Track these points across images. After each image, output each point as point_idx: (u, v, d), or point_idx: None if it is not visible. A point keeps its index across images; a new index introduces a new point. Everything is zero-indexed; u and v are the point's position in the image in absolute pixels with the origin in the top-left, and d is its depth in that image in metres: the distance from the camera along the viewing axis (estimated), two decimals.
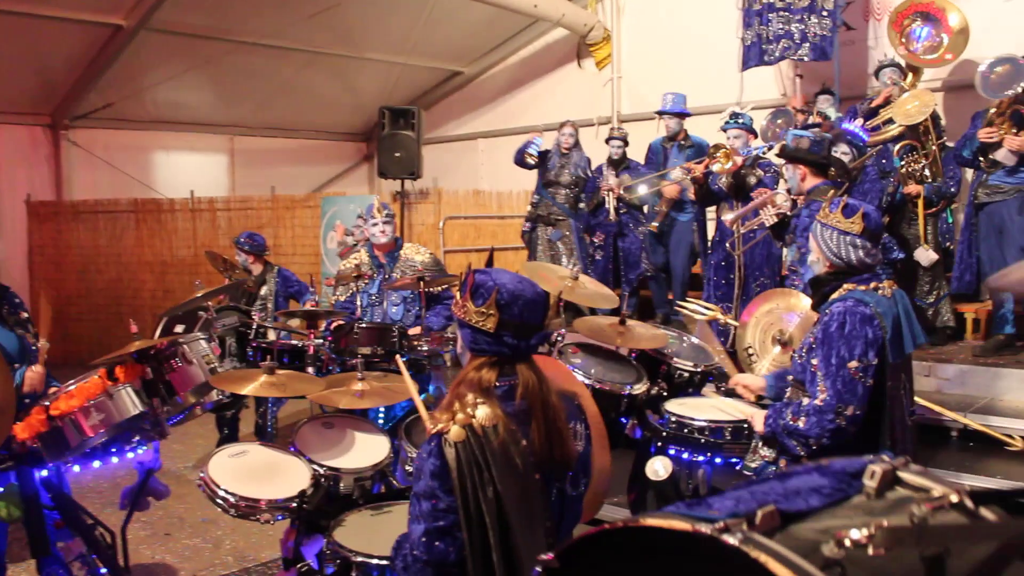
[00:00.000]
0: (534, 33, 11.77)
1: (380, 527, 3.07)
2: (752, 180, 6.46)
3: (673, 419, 4.09)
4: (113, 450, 3.76)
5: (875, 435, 3.24)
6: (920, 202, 6.63)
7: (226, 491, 3.23)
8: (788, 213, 5.93)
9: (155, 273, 10.99)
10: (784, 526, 1.34)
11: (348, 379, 3.81)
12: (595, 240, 8.33)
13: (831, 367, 3.17)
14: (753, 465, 3.67)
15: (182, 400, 4.11)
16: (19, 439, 3.48)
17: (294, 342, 5.30)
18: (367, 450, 3.64)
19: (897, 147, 6.69)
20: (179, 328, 6.21)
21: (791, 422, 3.25)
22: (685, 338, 5.09)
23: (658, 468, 3.95)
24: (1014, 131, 5.91)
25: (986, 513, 1.40)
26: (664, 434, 4.09)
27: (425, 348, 5.18)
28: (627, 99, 11.06)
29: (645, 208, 8.18)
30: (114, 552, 3.96)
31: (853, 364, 3.14)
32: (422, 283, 5.29)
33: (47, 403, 3.53)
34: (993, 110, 6.06)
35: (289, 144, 13.40)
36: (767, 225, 6.20)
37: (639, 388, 4.37)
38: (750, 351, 4.47)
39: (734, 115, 6.88)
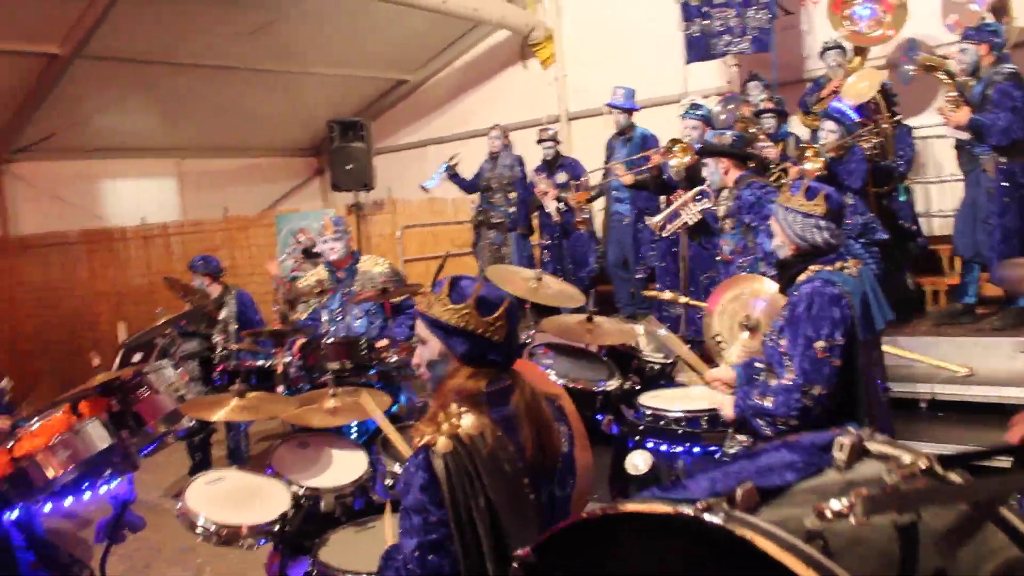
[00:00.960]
0: (476, 36, 11.76)
1: (365, 543, 3.05)
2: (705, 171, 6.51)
3: (648, 412, 4.11)
4: (85, 486, 3.69)
5: (852, 413, 3.27)
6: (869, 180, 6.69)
7: (206, 519, 3.18)
8: (711, 206, 6.02)
9: (111, 304, 10.79)
10: (763, 502, 1.35)
11: (320, 396, 3.77)
12: (542, 241, 8.37)
13: (798, 347, 3.21)
14: (731, 451, 3.68)
15: (152, 430, 4.06)
16: None
17: (261, 363, 5.24)
18: (345, 467, 3.61)
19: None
20: (136, 357, 6.13)
21: (758, 402, 3.28)
22: (652, 331, 5.11)
23: (638, 462, 3.96)
24: (952, 107, 5.90)
25: (954, 477, 1.43)
26: (641, 428, 4.10)
27: (394, 359, 5.15)
28: (573, 97, 11.08)
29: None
30: None
31: (820, 344, 3.18)
32: (386, 295, 5.25)
33: (10, 444, 3.45)
34: (945, 88, 6.11)
35: (239, 163, 13.25)
36: (690, 224, 6.30)
37: (612, 384, 4.39)
38: (718, 339, 4.50)
39: (693, 106, 6.95)
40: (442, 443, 2.13)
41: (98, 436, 3.62)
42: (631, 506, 1.39)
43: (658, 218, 6.42)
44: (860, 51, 7.41)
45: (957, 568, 1.31)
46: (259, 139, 13.01)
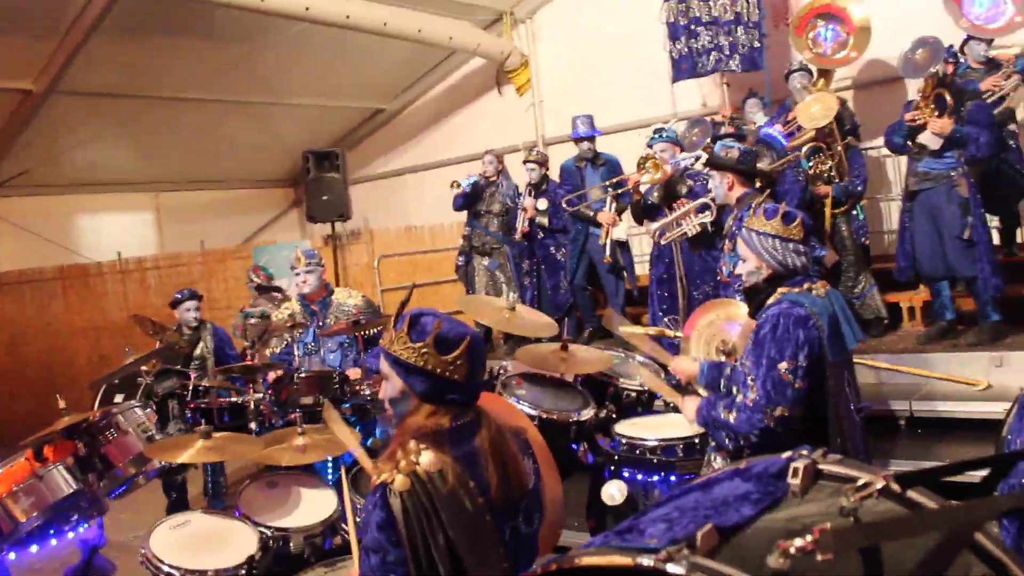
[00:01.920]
0: (452, 65, 11.78)
1: None
2: (683, 190, 6.51)
3: (624, 441, 4.07)
4: (51, 532, 3.63)
5: (823, 434, 3.25)
6: (828, 202, 6.73)
7: (170, 566, 3.12)
8: (709, 222, 6.00)
9: (89, 339, 10.69)
10: (723, 542, 1.32)
11: (289, 435, 3.72)
12: (523, 266, 8.35)
13: (761, 368, 3.19)
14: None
15: (121, 472, 4.01)
16: None
17: (233, 399, 5.18)
18: (314, 506, 3.56)
19: (804, 149, 6.76)
20: (119, 398, 6.06)
21: (722, 416, 3.27)
22: (630, 357, 5.08)
23: (613, 493, 3.93)
24: (936, 114, 5.90)
25: (921, 499, 1.40)
26: (616, 457, 4.07)
27: (368, 392, 5.10)
28: (550, 122, 11.10)
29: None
30: None
31: (783, 366, 3.16)
32: (358, 327, 5.21)
33: None
34: (918, 95, 6.05)
35: (215, 196, 13.19)
36: (689, 235, 6.27)
37: (587, 413, 4.35)
38: None
39: (657, 130, 6.94)
40: (399, 481, 2.10)
41: (63, 481, 3.58)
42: (587, 559, 1.36)
43: (657, 225, 6.38)
44: (824, 73, 7.42)
45: None
46: (236, 171, 12.97)
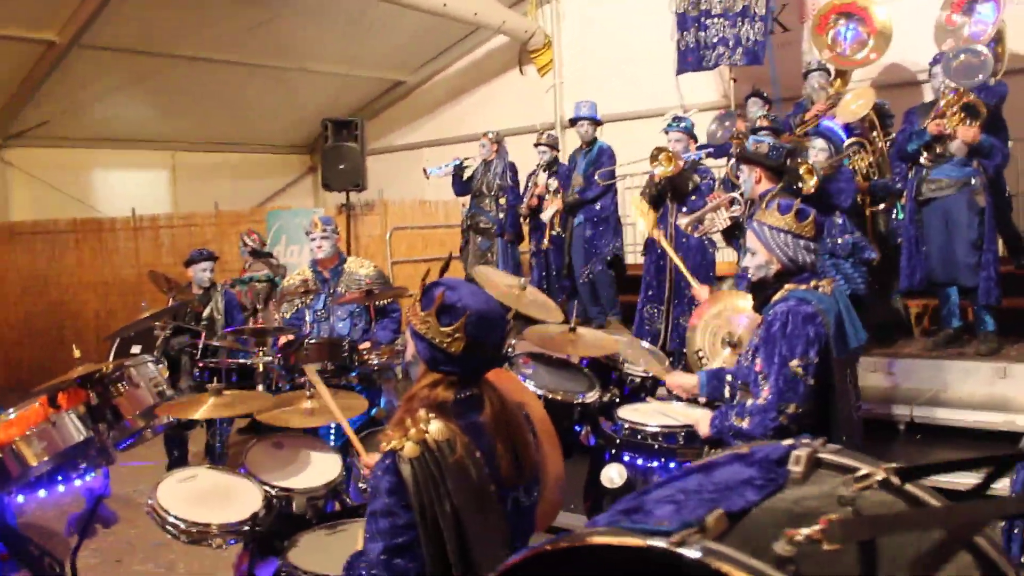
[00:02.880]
0: (475, 41, 11.78)
1: (335, 546, 3.04)
2: (690, 185, 6.52)
3: (626, 426, 4.10)
4: (59, 478, 3.69)
5: (826, 431, 3.28)
6: (867, 199, 6.68)
7: (176, 517, 3.17)
8: (739, 215, 6.00)
9: (98, 294, 10.77)
10: (731, 525, 1.35)
11: (297, 397, 3.77)
12: (531, 248, 8.38)
13: (773, 366, 3.22)
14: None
15: (130, 424, 4.06)
16: None
17: (242, 360, 5.24)
18: (319, 469, 3.61)
19: (845, 144, 6.74)
20: (135, 349, 6.13)
21: (736, 423, 3.30)
22: (635, 343, 5.11)
23: (613, 476, 3.96)
24: (967, 123, 5.88)
25: (920, 494, 1.43)
26: (618, 441, 4.10)
27: (376, 362, 5.15)
28: (569, 104, 11.05)
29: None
30: None
31: (794, 363, 3.19)
32: (371, 297, 5.26)
33: None
34: (943, 103, 6.00)
35: (232, 159, 13.24)
36: (720, 229, 6.26)
37: (591, 396, 4.38)
38: (700, 354, 4.51)
39: (676, 119, 6.92)
40: (409, 448, 2.14)
41: (75, 428, 3.62)
42: (598, 538, 1.37)
43: (688, 219, 6.37)
44: (841, 74, 7.38)
45: None
46: (253, 135, 13.00)
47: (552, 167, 8.23)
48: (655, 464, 4.01)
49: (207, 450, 6.69)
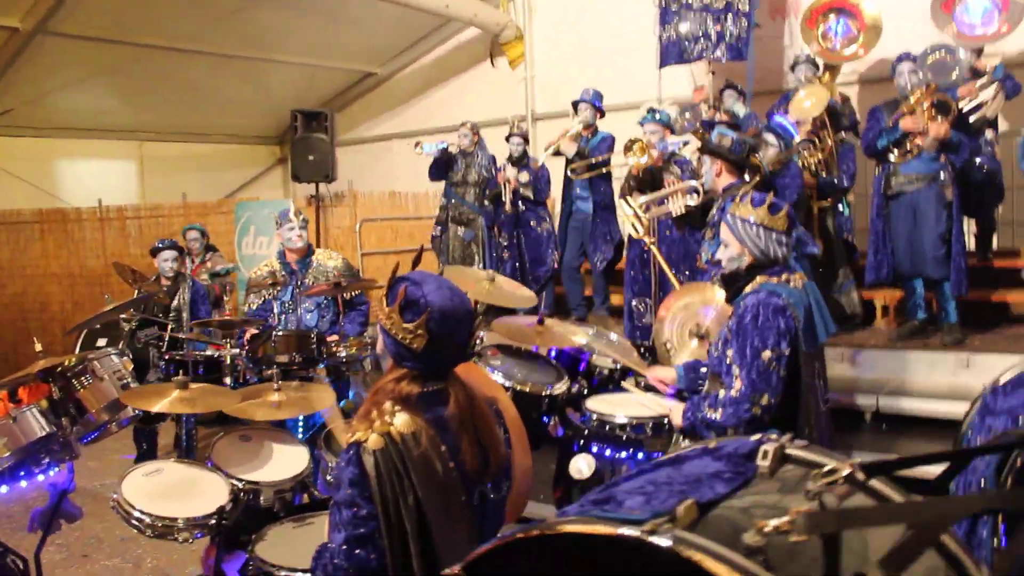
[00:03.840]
0: (447, 33, 11.74)
1: (303, 539, 3.04)
2: (669, 177, 6.53)
3: (594, 417, 4.11)
4: (22, 474, 3.63)
5: (793, 424, 3.31)
6: (813, 194, 6.77)
7: (141, 511, 3.15)
8: (694, 205, 6.02)
9: (63, 286, 10.63)
10: (700, 517, 1.36)
11: (264, 390, 3.74)
12: (500, 240, 8.35)
13: (745, 358, 3.24)
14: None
15: (94, 418, 4.01)
16: None
17: (209, 353, 5.19)
18: (286, 462, 3.59)
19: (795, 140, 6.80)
20: (101, 342, 6.06)
21: (708, 415, 3.32)
22: (603, 335, 5.12)
23: (581, 467, 3.97)
24: (939, 118, 5.96)
25: (884, 490, 1.44)
26: (586, 432, 4.11)
27: (343, 354, 5.13)
28: (541, 97, 11.11)
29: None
30: None
31: (767, 354, 3.22)
32: (339, 289, 5.23)
33: None
34: (913, 99, 6.07)
35: (200, 149, 13.12)
36: (674, 214, 6.28)
37: (559, 388, 4.39)
38: (668, 346, 4.53)
39: (651, 111, 6.94)
40: (373, 440, 2.14)
41: (37, 423, 3.57)
42: (569, 527, 1.37)
43: (644, 199, 6.37)
44: (830, 68, 7.44)
45: None
46: (222, 125, 12.89)
47: (522, 160, 8.22)
48: (623, 455, 4.03)
49: (176, 443, 6.66)
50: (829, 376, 3.99)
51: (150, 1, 9.54)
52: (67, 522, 4.02)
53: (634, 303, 6.93)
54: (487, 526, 2.35)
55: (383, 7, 10.14)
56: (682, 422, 3.51)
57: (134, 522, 3.17)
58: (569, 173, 7.86)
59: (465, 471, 2.24)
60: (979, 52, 6.72)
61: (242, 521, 3.24)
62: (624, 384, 4.46)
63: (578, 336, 4.68)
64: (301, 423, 4.65)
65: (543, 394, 4.32)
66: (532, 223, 8.28)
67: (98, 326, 5.98)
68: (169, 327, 5.86)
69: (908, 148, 6.10)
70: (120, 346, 5.65)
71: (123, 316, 5.93)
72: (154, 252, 6.80)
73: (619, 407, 4.16)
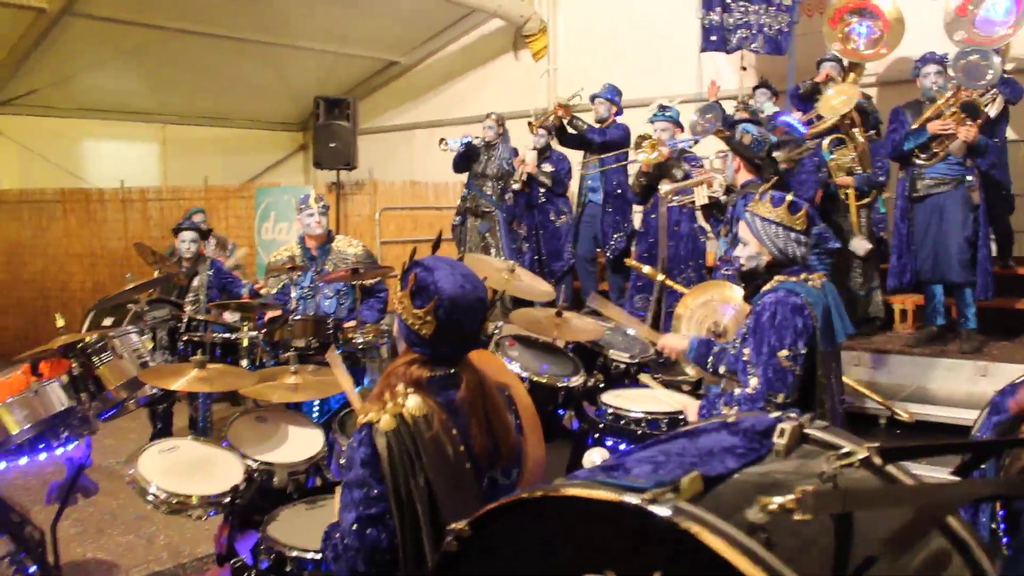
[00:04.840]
0: (471, 23, 11.73)
1: (314, 521, 3.05)
2: (678, 174, 6.52)
3: (610, 411, 4.12)
4: (41, 446, 3.67)
5: None
6: (851, 193, 6.70)
7: (156, 487, 3.17)
8: (721, 198, 6.01)
9: (84, 265, 10.71)
10: (706, 490, 1.36)
11: (281, 372, 3.77)
12: (519, 232, 8.35)
13: (761, 356, 3.23)
14: None
15: (112, 395, 4.04)
16: None
17: (227, 335, 5.22)
18: (301, 444, 3.61)
19: (827, 140, 6.75)
20: (108, 321, 6.10)
21: (723, 412, 3.31)
22: (621, 330, 5.12)
23: (595, 460, 3.97)
24: (968, 122, 5.91)
25: (900, 475, 1.44)
26: (601, 426, 4.12)
27: (360, 341, 5.15)
28: (563, 90, 11.05)
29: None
30: (44, 550, 3.86)
31: (783, 353, 3.21)
32: (357, 276, 5.25)
33: None
34: (940, 102, 6.04)
35: (222, 133, 13.17)
36: (698, 204, 6.27)
37: (576, 380, 4.40)
38: None
39: (661, 107, 6.96)
40: (385, 421, 2.15)
41: (57, 398, 3.61)
42: (573, 490, 1.38)
43: (672, 187, 6.36)
44: (854, 67, 7.39)
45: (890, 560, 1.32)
46: (245, 110, 12.94)
47: (545, 152, 8.22)
48: None
49: (191, 423, 6.70)
50: (845, 379, 3.99)
51: None
52: (83, 496, 4.07)
53: (635, 299, 6.94)
54: None
55: None
56: (697, 419, 3.50)
57: (149, 498, 3.19)
58: (580, 168, 7.89)
59: (475, 455, 2.25)
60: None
61: (256, 501, 3.26)
62: (641, 378, 4.46)
63: (598, 330, 4.70)
64: (317, 407, 4.67)
65: (559, 386, 4.33)
66: (551, 216, 8.28)
67: (108, 307, 6.02)
68: (189, 308, 5.88)
69: (934, 151, 6.06)
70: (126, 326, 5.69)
71: (137, 297, 5.96)
72: (176, 230, 6.83)
73: (635, 402, 4.17)
